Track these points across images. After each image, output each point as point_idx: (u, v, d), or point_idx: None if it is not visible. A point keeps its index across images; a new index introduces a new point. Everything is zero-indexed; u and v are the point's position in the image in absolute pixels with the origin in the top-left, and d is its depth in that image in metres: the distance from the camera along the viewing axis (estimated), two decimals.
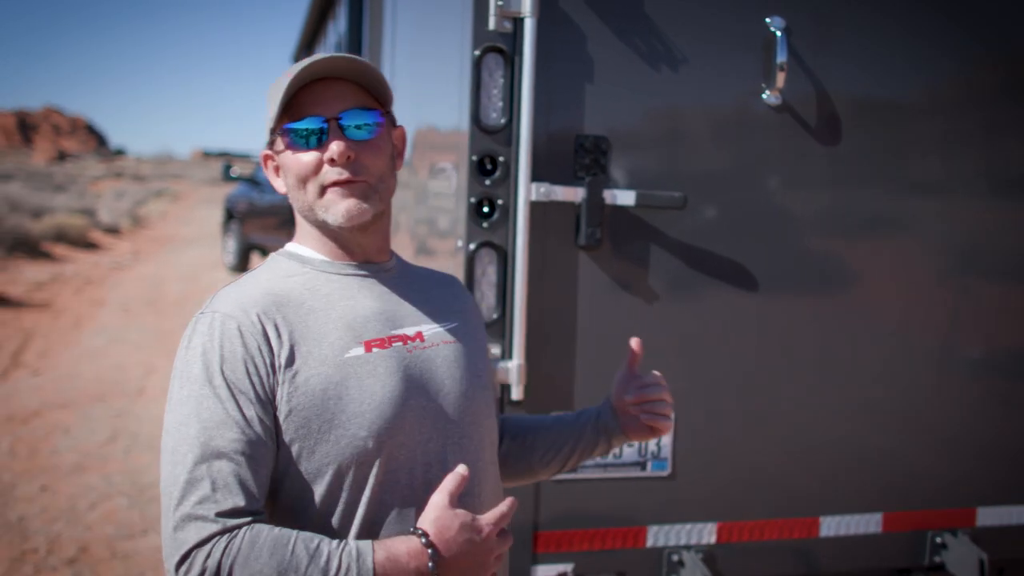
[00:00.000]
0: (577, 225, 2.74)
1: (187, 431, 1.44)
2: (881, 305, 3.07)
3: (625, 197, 2.75)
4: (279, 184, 1.67)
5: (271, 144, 1.65)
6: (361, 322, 1.59)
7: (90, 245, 20.58)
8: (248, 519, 1.41)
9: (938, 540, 3.13)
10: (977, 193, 3.12)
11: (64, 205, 26.44)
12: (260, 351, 1.50)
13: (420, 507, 1.54)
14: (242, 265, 14.30)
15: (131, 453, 6.35)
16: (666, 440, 2.87)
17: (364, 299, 1.63)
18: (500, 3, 2.62)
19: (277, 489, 1.54)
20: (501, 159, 2.68)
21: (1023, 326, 3.21)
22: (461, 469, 1.51)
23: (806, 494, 3.04)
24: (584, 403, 2.80)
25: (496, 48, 2.66)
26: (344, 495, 1.53)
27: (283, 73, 1.60)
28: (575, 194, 2.72)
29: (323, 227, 1.64)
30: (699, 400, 2.90)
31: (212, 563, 1.36)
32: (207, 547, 1.37)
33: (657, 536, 2.91)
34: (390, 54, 4.28)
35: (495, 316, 2.72)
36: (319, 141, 1.58)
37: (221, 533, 1.38)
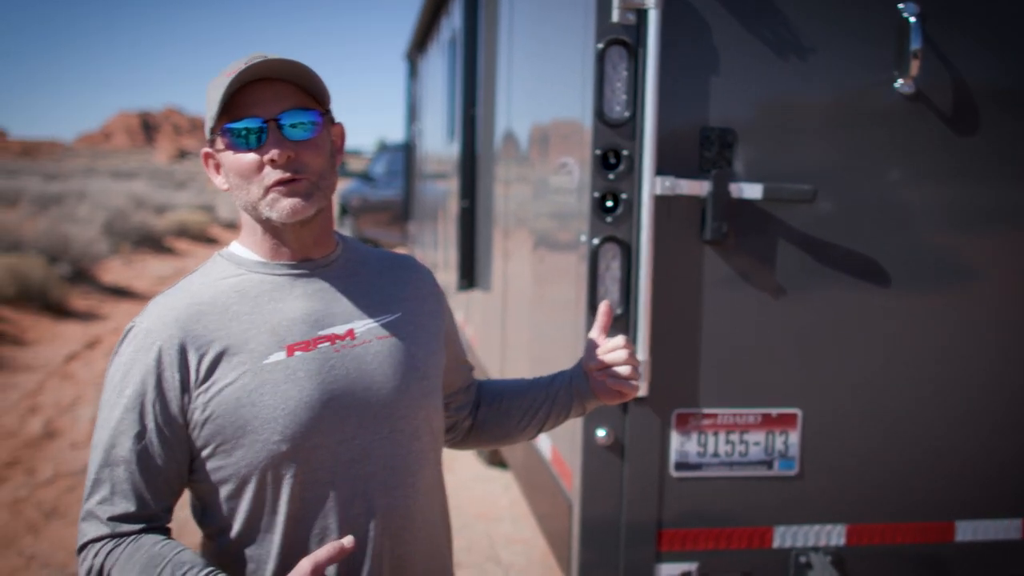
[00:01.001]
0: (702, 219, 2.69)
1: (101, 434, 1.56)
2: (1019, 303, 2.94)
3: (752, 191, 2.69)
4: (219, 181, 1.67)
5: (211, 142, 1.64)
6: (287, 325, 1.60)
7: (210, 240, 21.24)
8: (140, 526, 1.54)
9: None
10: None
11: (185, 202, 27.38)
12: (172, 367, 1.54)
13: (346, 502, 1.60)
14: None
15: None
16: (793, 439, 2.80)
17: (294, 300, 1.63)
18: None
19: (202, 494, 1.62)
20: (625, 153, 2.65)
21: None
22: (346, 542, 1.49)
23: (940, 497, 2.93)
24: (711, 400, 2.76)
25: (620, 41, 2.63)
26: (267, 495, 1.58)
27: (221, 72, 1.60)
28: (700, 188, 2.67)
29: (265, 223, 1.64)
30: (826, 398, 2.82)
31: (97, 562, 1.52)
32: (97, 546, 1.52)
33: (784, 536, 2.84)
34: (507, 48, 4.29)
35: (619, 312, 2.69)
36: (259, 141, 1.58)
37: (110, 537, 1.52)
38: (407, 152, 11.51)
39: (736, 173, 2.71)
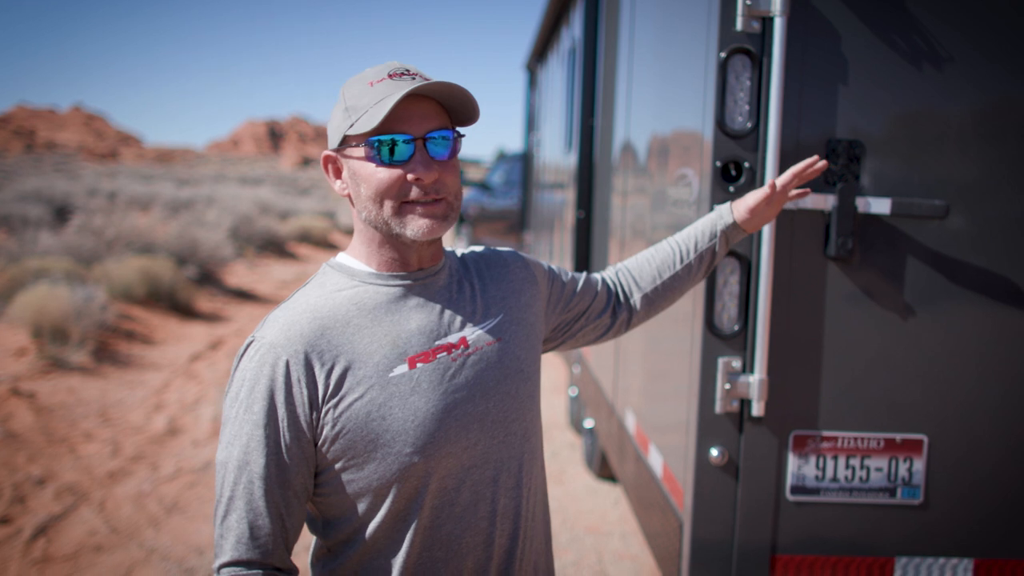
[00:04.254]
0: (827, 234, 2.60)
1: (231, 451, 1.55)
2: None
3: (880, 205, 2.58)
4: (339, 186, 1.69)
5: (341, 147, 1.65)
6: (405, 337, 1.62)
7: (331, 246, 21.70)
8: (266, 565, 1.55)
9: None
10: None
11: (308, 208, 28.07)
12: (301, 383, 1.55)
13: (471, 507, 1.64)
14: None
15: None
16: (918, 466, 2.68)
17: (410, 311, 1.65)
18: (748, 2, 2.52)
19: (327, 507, 1.63)
20: (746, 165, 2.58)
21: None
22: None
23: None
24: (831, 422, 2.66)
25: (743, 49, 2.56)
26: (398, 506, 1.60)
27: (362, 77, 1.62)
28: (825, 201, 2.58)
29: (390, 236, 1.65)
30: (955, 423, 2.68)
31: None
32: (236, 570, 1.53)
33: (906, 569, 2.71)
34: (627, 57, 4.24)
35: (736, 328, 2.62)
36: (404, 158, 1.59)
37: (247, 565, 1.54)
38: (525, 162, 11.56)
39: (863, 187, 2.60)
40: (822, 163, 2.20)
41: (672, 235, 2.25)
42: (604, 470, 5.74)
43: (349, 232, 22.84)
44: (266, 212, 23.71)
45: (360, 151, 1.61)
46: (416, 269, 1.68)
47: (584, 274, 2.10)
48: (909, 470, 2.68)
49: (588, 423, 5.47)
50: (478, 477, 1.66)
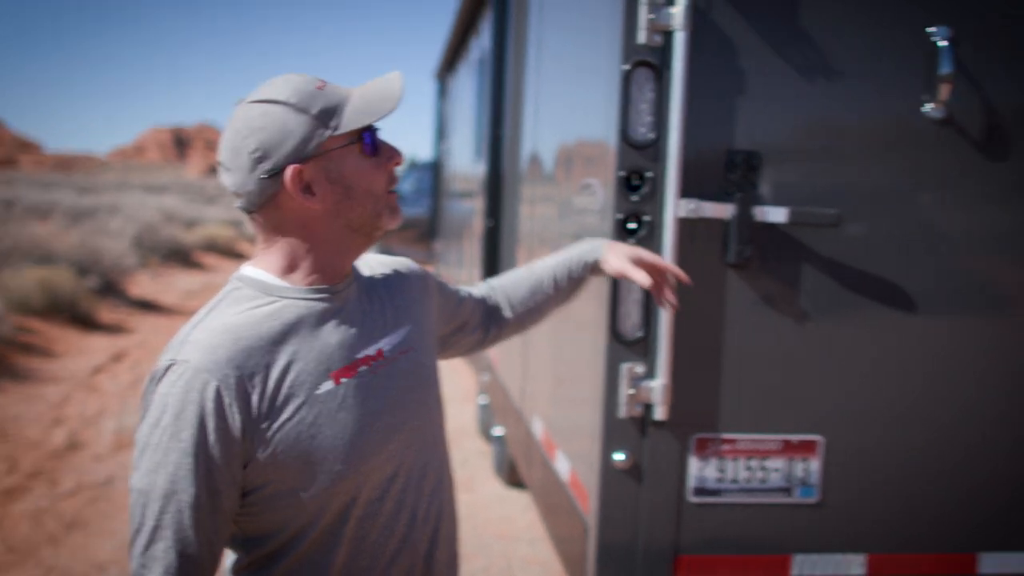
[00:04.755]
0: (726, 242, 2.67)
1: (155, 479, 1.48)
2: None
3: (776, 214, 2.67)
4: (316, 200, 1.59)
5: (317, 156, 1.58)
6: (328, 353, 1.60)
7: (238, 255, 21.37)
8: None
9: None
10: None
11: (214, 217, 27.60)
12: (233, 408, 1.50)
13: (393, 516, 1.67)
14: None
15: None
16: (814, 466, 2.77)
17: (330, 327, 1.63)
18: (651, 17, 2.59)
19: (253, 526, 1.60)
20: (649, 175, 2.64)
21: None
22: None
23: (965, 528, 2.88)
24: (732, 425, 2.73)
25: (646, 62, 2.63)
26: (328, 520, 1.60)
27: (299, 87, 1.57)
28: (724, 210, 2.65)
29: (360, 238, 1.66)
30: (849, 425, 2.78)
31: None
32: None
33: (803, 566, 2.80)
34: (534, 69, 4.29)
35: (639, 334, 2.68)
36: (385, 148, 1.64)
37: None
38: (435, 171, 11.58)
39: (761, 196, 2.69)
40: (681, 276, 2.35)
41: (546, 258, 2.30)
42: (513, 477, 5.78)
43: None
44: (171, 221, 23.26)
45: (351, 149, 1.59)
46: (334, 281, 1.66)
47: (465, 289, 2.13)
48: (805, 470, 2.77)
49: (497, 431, 5.51)
50: (400, 486, 1.68)
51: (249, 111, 1.56)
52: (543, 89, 4.07)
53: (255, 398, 1.51)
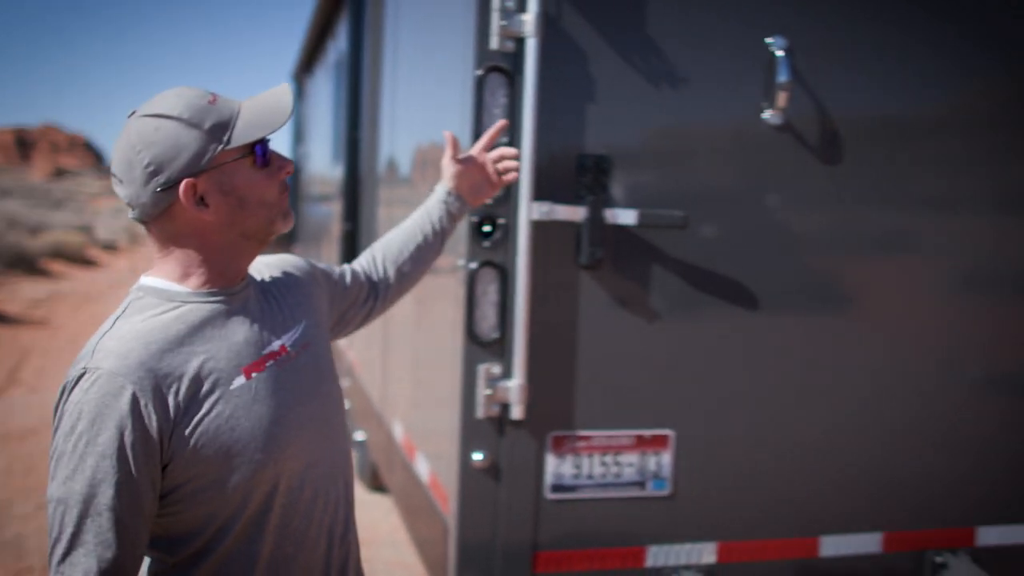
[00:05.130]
0: (578, 244, 2.74)
1: (71, 486, 1.49)
2: (884, 323, 3.07)
3: (626, 216, 2.75)
4: (210, 212, 1.62)
5: (208, 168, 1.61)
6: (236, 350, 1.65)
7: (88, 262, 20.58)
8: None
9: (938, 560, 3.11)
10: (982, 211, 3.12)
11: (62, 222, 26.48)
12: (149, 409, 1.52)
13: (310, 502, 1.73)
14: None
15: None
16: (666, 460, 2.86)
17: (233, 325, 1.68)
18: (503, 23, 2.64)
19: (176, 524, 1.62)
20: None
21: None
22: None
23: (807, 513, 3.03)
24: (587, 422, 2.80)
25: (498, 68, 2.67)
26: (253, 511, 1.65)
27: (191, 101, 1.60)
28: (576, 213, 2.72)
29: (251, 244, 1.71)
30: (699, 419, 2.89)
31: None
32: None
33: (657, 556, 2.89)
34: (391, 71, 4.30)
35: (495, 336, 2.72)
36: (275, 158, 1.70)
37: None
38: (293, 174, 11.40)
39: (612, 199, 2.76)
40: (503, 122, 2.51)
41: (412, 214, 2.40)
42: (376, 481, 5.75)
43: (108, 248, 21.72)
44: (14, 227, 22.21)
45: (243, 162, 1.63)
46: (231, 284, 1.70)
47: (347, 267, 2.20)
48: (658, 464, 2.87)
49: (359, 435, 5.48)
50: (316, 474, 1.74)
51: (142, 125, 1.58)
52: (400, 92, 4.08)
53: (171, 399, 1.55)
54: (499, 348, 2.73)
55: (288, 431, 1.68)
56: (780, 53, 2.81)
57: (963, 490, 3.16)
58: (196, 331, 1.62)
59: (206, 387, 1.59)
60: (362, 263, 2.27)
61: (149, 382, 1.53)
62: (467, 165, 2.41)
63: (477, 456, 2.74)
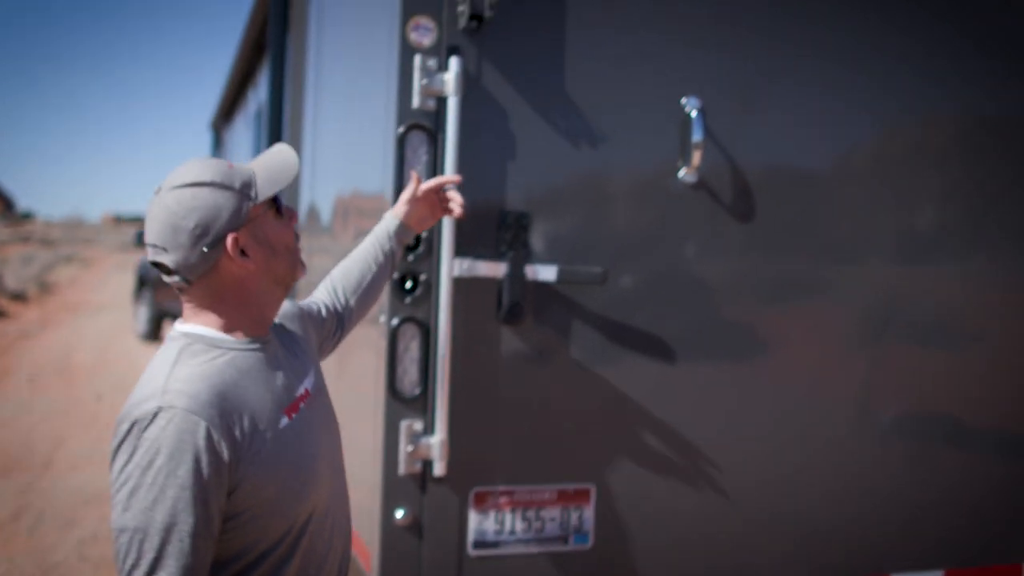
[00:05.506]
0: (499, 300, 2.76)
1: (153, 515, 1.63)
2: (798, 370, 3.15)
3: (547, 272, 2.78)
4: (245, 265, 1.82)
5: (246, 224, 1.81)
6: (278, 393, 1.86)
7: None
8: None
9: None
10: (889, 259, 3.23)
11: None
12: (221, 444, 1.69)
13: (329, 533, 1.95)
14: (154, 333, 13.98)
15: (37, 531, 6.11)
16: (588, 514, 2.88)
17: (271, 371, 1.88)
18: (424, 82, 2.67)
19: (230, 548, 1.77)
20: (424, 235, 2.70)
21: (937, 389, 3.31)
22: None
23: (728, 564, 3.06)
24: (507, 481, 2.80)
25: (420, 126, 2.70)
26: (291, 540, 1.84)
27: (213, 168, 1.81)
28: (497, 269, 2.74)
29: (280, 290, 1.93)
30: (620, 472, 2.92)
31: None
32: None
33: None
34: (312, 123, 4.30)
35: (417, 392, 2.72)
36: (286, 211, 1.93)
37: None
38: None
39: (532, 255, 2.80)
40: (455, 177, 2.61)
41: (362, 242, 2.52)
42: None
43: (17, 298, 21.06)
44: None
45: (268, 214, 1.86)
46: (265, 333, 1.91)
47: (317, 302, 2.36)
48: (580, 518, 2.88)
49: None
50: (335, 503, 1.98)
51: (179, 196, 1.77)
52: (321, 142, 4.08)
53: (237, 434, 1.72)
54: (421, 404, 2.73)
55: (320, 464, 1.90)
56: (694, 113, 2.89)
57: (878, 538, 3.23)
58: (246, 376, 1.80)
59: (262, 425, 1.77)
60: (325, 295, 2.41)
61: (218, 419, 1.69)
62: (417, 199, 2.56)
63: (399, 513, 2.72)
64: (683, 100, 2.92)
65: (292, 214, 1.94)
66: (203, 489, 1.66)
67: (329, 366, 3.59)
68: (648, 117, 2.92)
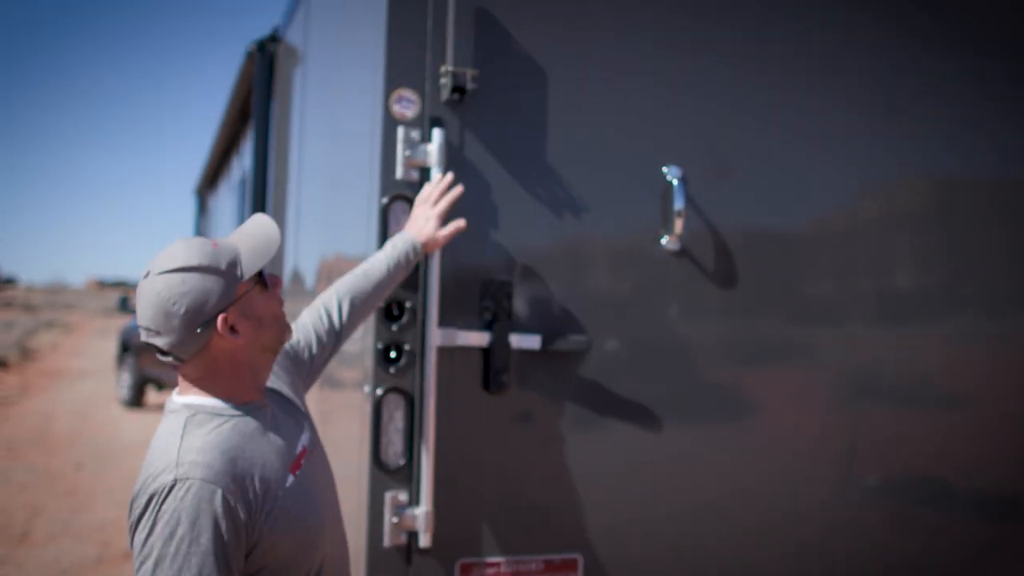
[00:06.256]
0: (484, 370, 2.76)
1: None
2: (779, 433, 3.14)
3: (530, 342, 2.79)
4: (235, 340, 1.89)
5: (235, 302, 1.89)
6: (282, 453, 1.94)
7: None
8: None
9: None
10: (868, 322, 3.25)
11: None
12: (238, 509, 1.78)
13: (334, 572, 2.06)
14: (137, 399, 13.88)
15: None
16: None
17: (271, 432, 1.96)
18: (407, 153, 2.69)
19: None
20: (408, 304, 2.71)
21: (917, 452, 3.30)
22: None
23: None
24: (493, 552, 2.77)
25: (403, 196, 2.72)
26: None
27: (200, 251, 1.87)
28: (481, 339, 2.74)
29: (269, 356, 2.00)
30: (607, 542, 2.89)
31: None
32: None
33: None
34: (296, 190, 4.32)
35: (402, 462, 2.70)
36: (271, 280, 2.00)
37: None
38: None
39: (516, 324, 2.80)
40: (459, 189, 2.67)
41: (373, 259, 2.59)
42: None
43: None
44: None
45: (255, 290, 1.93)
46: (260, 397, 1.99)
47: (311, 326, 2.43)
48: None
49: None
50: (339, 552, 2.10)
51: (168, 281, 1.83)
52: (305, 209, 4.10)
53: (251, 497, 1.81)
54: (406, 475, 2.71)
55: (326, 519, 2.01)
56: (675, 182, 2.92)
57: None
58: (250, 440, 1.89)
59: (272, 485, 1.86)
60: (325, 308, 2.48)
61: (233, 484, 1.78)
62: (427, 220, 2.63)
63: None
64: (664, 169, 2.95)
65: (276, 281, 2.02)
66: (226, 554, 1.74)
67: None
68: (629, 186, 2.95)
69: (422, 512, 2.66)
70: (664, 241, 2.95)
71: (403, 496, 2.70)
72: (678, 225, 2.92)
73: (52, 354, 25.05)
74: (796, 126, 3.16)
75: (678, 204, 2.90)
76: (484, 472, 2.78)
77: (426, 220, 2.63)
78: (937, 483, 3.34)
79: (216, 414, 1.90)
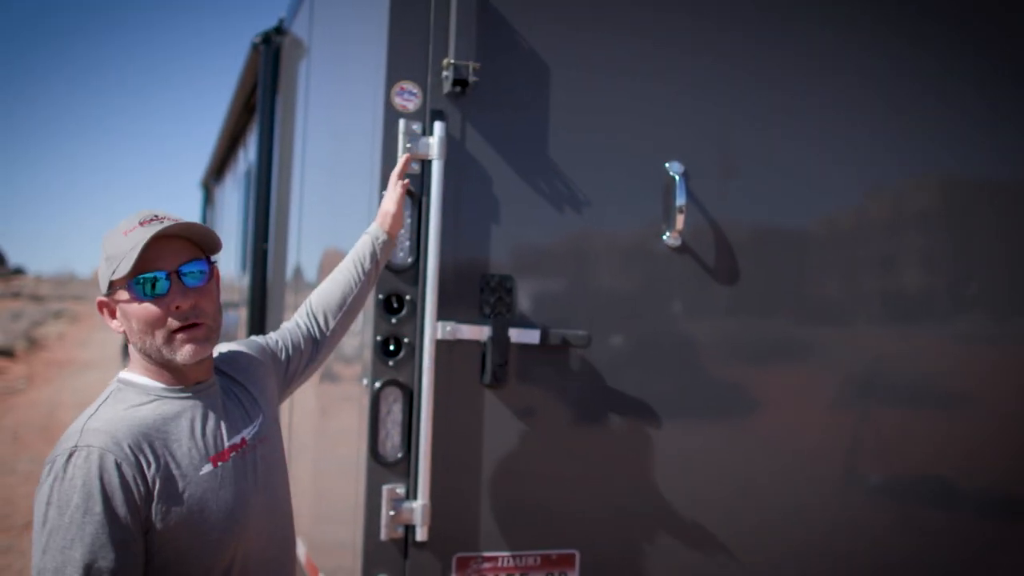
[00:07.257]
0: (483, 363, 2.75)
1: (72, 554, 1.67)
2: (782, 431, 3.13)
3: (530, 336, 2.78)
4: (115, 324, 1.90)
5: (110, 293, 1.87)
6: (205, 440, 1.90)
7: None
8: None
9: None
10: (873, 320, 3.24)
11: None
12: (135, 480, 1.74)
13: (267, 570, 1.99)
14: None
15: None
16: None
17: (200, 419, 1.91)
18: (408, 146, 2.69)
19: None
20: (408, 298, 2.70)
21: (923, 450, 3.29)
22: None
23: None
24: (490, 547, 2.77)
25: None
26: None
27: (117, 229, 1.87)
28: (481, 332, 2.74)
29: (165, 363, 1.89)
30: (605, 537, 2.89)
31: None
32: None
33: None
34: (299, 183, 4.32)
35: (399, 455, 2.70)
36: (163, 292, 1.84)
37: None
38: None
39: (516, 318, 2.79)
40: (405, 157, 2.64)
41: (341, 264, 2.53)
42: None
43: (3, 353, 20.93)
44: None
45: (126, 293, 1.85)
46: (193, 383, 1.93)
47: (287, 332, 2.38)
48: None
49: None
50: (265, 556, 1.99)
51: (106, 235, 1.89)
52: (307, 202, 4.09)
53: (150, 474, 1.76)
54: (403, 468, 2.71)
55: (248, 515, 1.91)
56: (677, 177, 2.91)
57: None
58: (170, 422, 1.85)
59: (179, 471, 1.81)
60: (300, 322, 2.43)
61: (133, 459, 1.75)
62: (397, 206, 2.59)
63: None
64: (666, 164, 2.94)
65: (172, 300, 1.84)
66: (121, 528, 1.71)
67: (310, 420, 3.58)
68: (631, 181, 2.94)
69: (419, 506, 2.66)
70: (665, 237, 2.95)
71: (400, 489, 2.70)
72: (679, 221, 2.91)
73: (59, 344, 25.13)
74: (797, 124, 3.15)
75: (680, 200, 2.90)
76: (482, 466, 2.78)
77: (382, 206, 2.61)
78: (940, 483, 3.33)
79: (144, 392, 1.89)
